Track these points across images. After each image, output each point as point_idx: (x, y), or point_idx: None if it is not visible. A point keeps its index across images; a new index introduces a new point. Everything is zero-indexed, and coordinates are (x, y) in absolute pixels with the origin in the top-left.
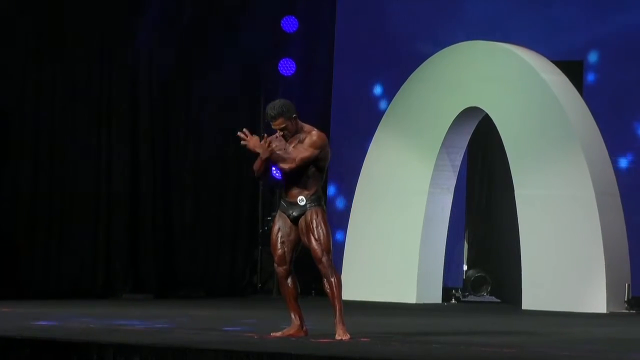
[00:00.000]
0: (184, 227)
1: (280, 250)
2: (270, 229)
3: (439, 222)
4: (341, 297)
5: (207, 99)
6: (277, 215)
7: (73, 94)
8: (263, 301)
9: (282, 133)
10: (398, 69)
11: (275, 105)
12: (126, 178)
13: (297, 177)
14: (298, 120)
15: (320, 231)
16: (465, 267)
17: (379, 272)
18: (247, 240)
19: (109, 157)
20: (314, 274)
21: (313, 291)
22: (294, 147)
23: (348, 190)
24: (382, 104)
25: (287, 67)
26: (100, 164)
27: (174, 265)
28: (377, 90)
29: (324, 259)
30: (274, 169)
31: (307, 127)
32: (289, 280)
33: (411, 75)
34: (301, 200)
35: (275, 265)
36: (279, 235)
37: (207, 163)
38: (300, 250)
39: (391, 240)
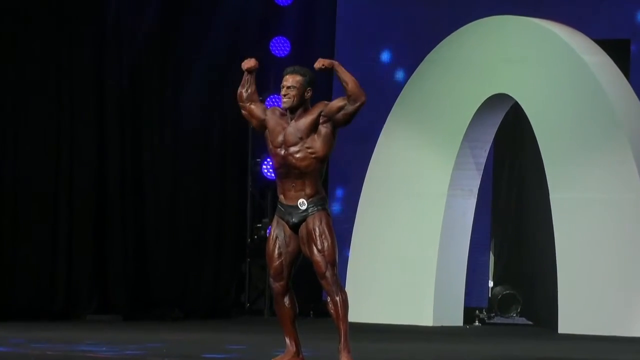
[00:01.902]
0: (159, 235)
1: (277, 263)
2: (260, 238)
3: (460, 231)
4: (347, 319)
5: (185, 84)
6: (274, 222)
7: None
8: (252, 323)
9: (285, 94)
10: (412, 48)
11: (300, 66)
12: (89, 175)
13: (294, 174)
14: (309, 100)
15: (325, 241)
16: (491, 284)
17: (389, 290)
18: (233, 251)
19: (70, 149)
20: (313, 291)
21: (312, 312)
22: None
23: (352, 195)
24: (393, 91)
25: (280, 46)
26: (60, 159)
27: (147, 281)
28: (387, 74)
29: (328, 274)
30: (266, 165)
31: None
32: (286, 299)
33: (427, 57)
34: (302, 203)
35: (271, 280)
36: (276, 245)
37: (185, 157)
38: (301, 262)
39: (403, 252)
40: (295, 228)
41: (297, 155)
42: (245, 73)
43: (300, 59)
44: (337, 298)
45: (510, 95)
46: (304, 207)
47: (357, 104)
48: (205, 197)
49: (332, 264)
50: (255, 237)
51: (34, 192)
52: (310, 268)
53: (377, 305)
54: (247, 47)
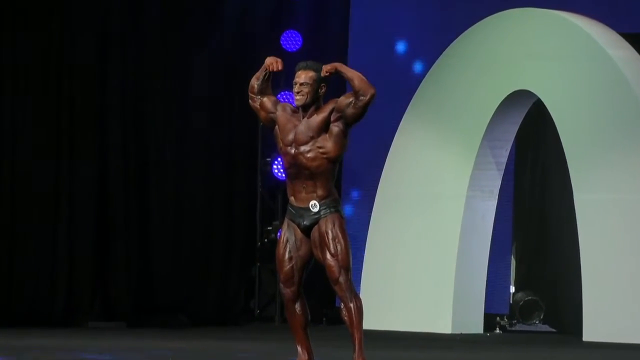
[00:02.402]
0: (163, 237)
1: (287, 268)
2: (270, 241)
3: (479, 234)
4: (362, 327)
5: (191, 80)
6: (285, 224)
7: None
8: (262, 330)
9: (298, 91)
10: (430, 40)
11: (313, 61)
12: (91, 174)
13: (304, 175)
14: (322, 97)
15: (338, 244)
16: (512, 289)
17: (406, 296)
18: (242, 255)
19: (70, 149)
20: (326, 297)
21: (324, 318)
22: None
23: (366, 196)
24: (410, 86)
25: (291, 40)
26: (61, 159)
27: (151, 286)
28: (405, 69)
29: (342, 279)
30: (277, 165)
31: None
32: (298, 305)
33: (446, 50)
34: (314, 205)
35: (281, 285)
36: (287, 248)
37: (192, 158)
38: (312, 267)
39: (421, 256)
40: (306, 231)
41: (308, 155)
42: (264, 67)
43: (312, 54)
44: (352, 305)
45: (533, 91)
46: (315, 209)
47: (367, 97)
48: (212, 198)
49: (345, 268)
50: (265, 240)
51: (33, 192)
52: (323, 272)
53: (394, 312)
54: (256, 41)
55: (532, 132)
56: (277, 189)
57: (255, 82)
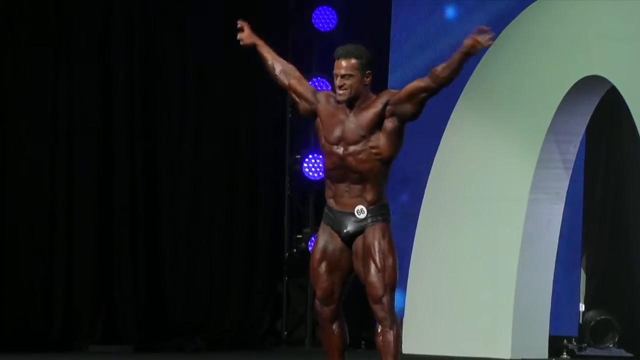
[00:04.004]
0: (176, 248)
1: (325, 283)
2: (301, 252)
3: (544, 243)
4: (399, 355)
5: (207, 66)
6: (321, 231)
7: None
8: (290, 355)
9: (341, 85)
10: (487, 14)
11: (353, 45)
12: (94, 177)
13: (352, 178)
14: (369, 86)
15: (386, 259)
16: (582, 308)
17: (457, 315)
18: (268, 268)
19: (70, 155)
20: (367, 317)
21: (363, 342)
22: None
23: (412, 198)
24: (462, 74)
25: (324, 18)
26: (57, 156)
27: (162, 305)
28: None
29: (385, 299)
30: (308, 163)
31: (374, 95)
32: (335, 326)
33: (504, 31)
34: (360, 211)
35: (317, 303)
36: (324, 260)
37: (209, 157)
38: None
39: (475, 269)
40: (347, 239)
41: (360, 157)
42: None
43: (349, 34)
44: (391, 331)
45: (606, 77)
46: (362, 216)
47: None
48: (232, 201)
49: (391, 287)
50: (295, 250)
51: (26, 201)
52: (363, 290)
53: (443, 334)
54: (284, 20)
55: (605, 124)
56: (309, 190)
57: (268, 69)
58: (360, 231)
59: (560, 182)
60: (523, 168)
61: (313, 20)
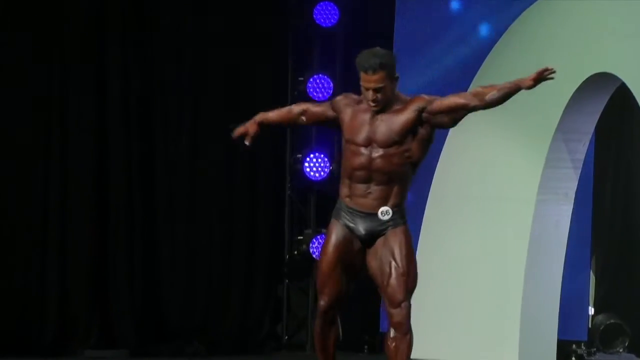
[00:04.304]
0: (173, 250)
1: (337, 283)
2: (302, 254)
3: (552, 244)
4: None
5: (207, 61)
6: (335, 225)
7: None
8: None
9: (374, 99)
10: (493, 13)
11: (376, 53)
12: (89, 174)
13: (377, 180)
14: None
15: (409, 264)
16: (591, 311)
17: (462, 320)
18: (268, 271)
19: (63, 152)
20: (370, 320)
21: (366, 346)
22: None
23: (417, 199)
24: (469, 69)
25: (326, 14)
26: (52, 155)
27: (159, 308)
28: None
29: (404, 305)
30: (309, 163)
31: (402, 95)
32: (334, 327)
33: (510, 27)
34: (385, 212)
35: (321, 303)
36: (338, 258)
37: (208, 156)
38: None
39: (481, 272)
40: (368, 240)
41: (391, 159)
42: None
43: (351, 30)
44: (407, 337)
45: (616, 74)
46: (387, 217)
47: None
48: (231, 202)
49: (411, 293)
50: (295, 252)
51: (18, 199)
52: (366, 292)
53: (448, 339)
54: (285, 16)
55: (615, 122)
56: (310, 191)
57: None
58: (379, 233)
59: (569, 182)
60: (530, 168)
61: (314, 16)
